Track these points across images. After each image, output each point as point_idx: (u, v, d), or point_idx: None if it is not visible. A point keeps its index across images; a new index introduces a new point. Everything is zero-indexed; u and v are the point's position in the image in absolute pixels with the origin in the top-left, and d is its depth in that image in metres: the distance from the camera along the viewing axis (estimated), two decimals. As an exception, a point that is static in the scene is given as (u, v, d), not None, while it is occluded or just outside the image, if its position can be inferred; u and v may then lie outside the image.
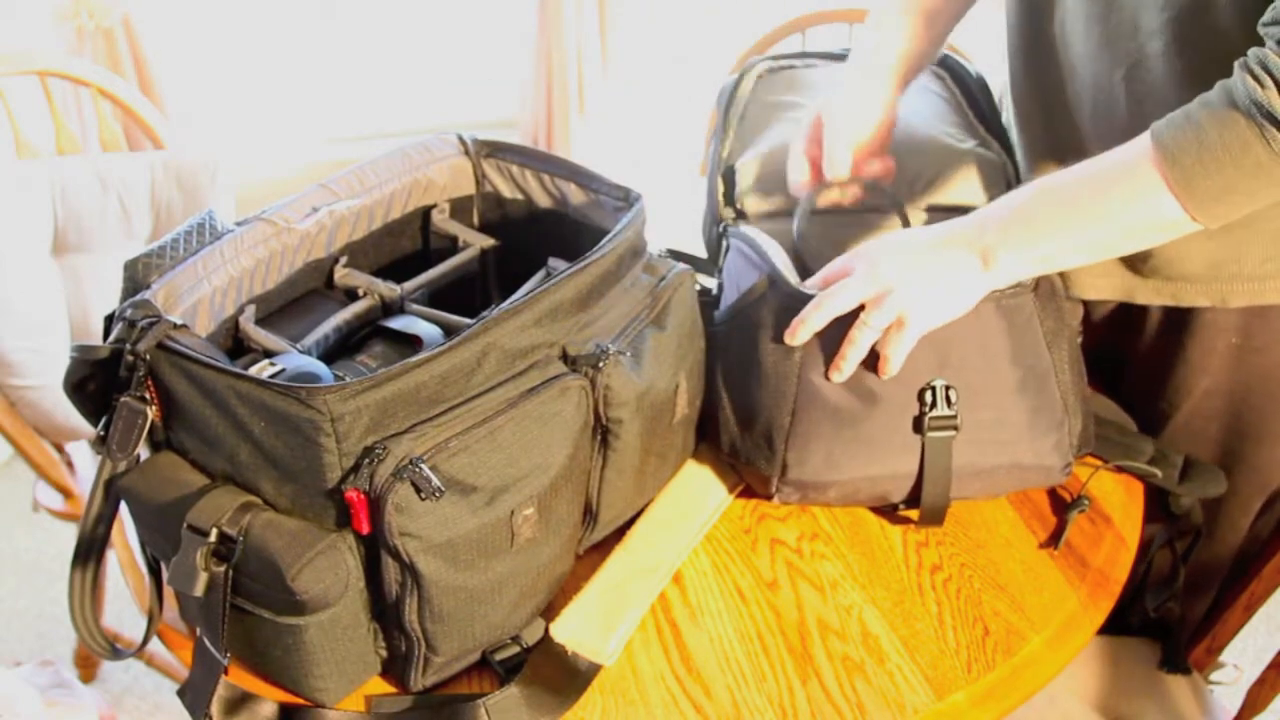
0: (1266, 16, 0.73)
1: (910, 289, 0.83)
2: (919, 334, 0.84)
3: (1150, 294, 0.99)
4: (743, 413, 0.92)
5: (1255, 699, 1.08)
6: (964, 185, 1.05)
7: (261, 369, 0.76)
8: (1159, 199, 0.76)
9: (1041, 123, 1.01)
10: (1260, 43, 0.74)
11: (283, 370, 0.77)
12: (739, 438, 0.92)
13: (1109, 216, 0.79)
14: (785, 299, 0.88)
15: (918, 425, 0.87)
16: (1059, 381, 0.89)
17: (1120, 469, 0.98)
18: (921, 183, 1.05)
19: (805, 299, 0.87)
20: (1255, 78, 0.71)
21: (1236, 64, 0.74)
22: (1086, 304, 1.06)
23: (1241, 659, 1.12)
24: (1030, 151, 1.04)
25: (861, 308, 0.84)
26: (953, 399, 0.86)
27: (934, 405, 0.86)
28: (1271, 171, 0.73)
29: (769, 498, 0.92)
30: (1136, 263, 0.97)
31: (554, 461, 0.76)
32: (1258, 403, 0.99)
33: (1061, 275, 0.93)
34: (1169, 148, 0.75)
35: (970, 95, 1.15)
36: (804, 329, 0.86)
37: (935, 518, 0.90)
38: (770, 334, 0.89)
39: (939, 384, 0.86)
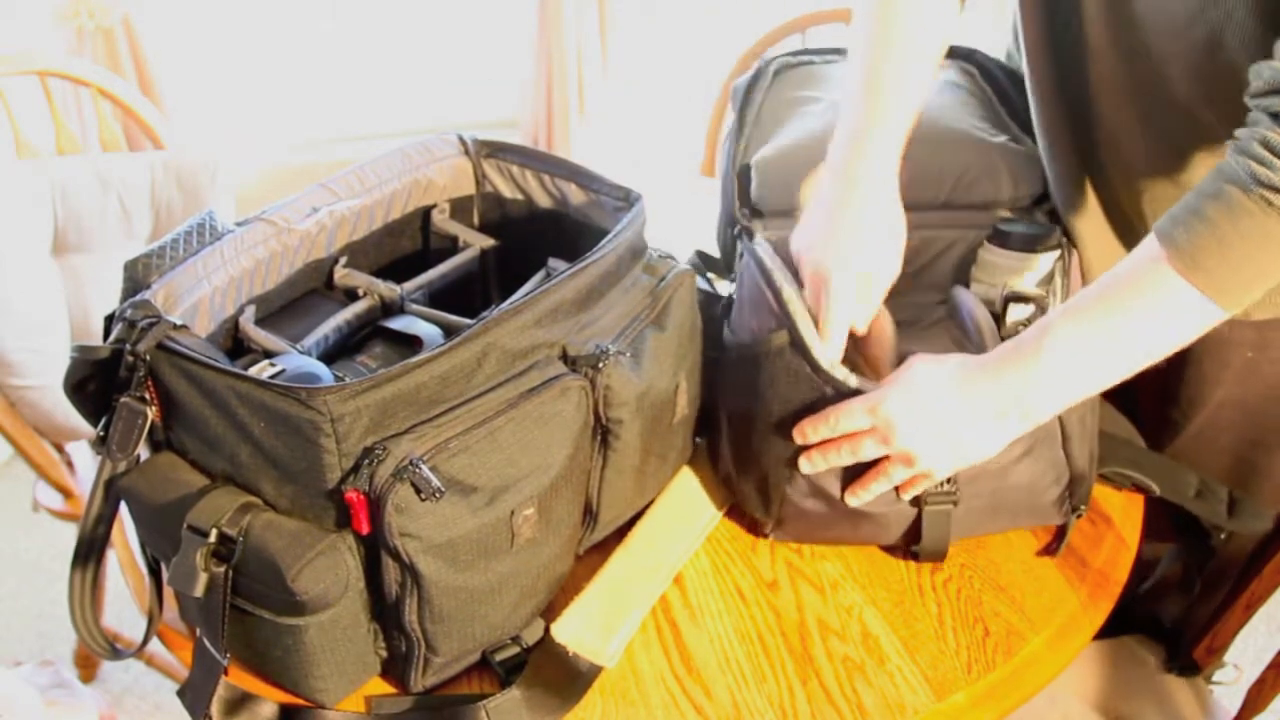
0: (1254, 87, 0.70)
1: (936, 458, 0.80)
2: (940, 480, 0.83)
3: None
4: (741, 460, 0.90)
5: (1255, 699, 1.08)
6: (999, 180, 1.02)
7: (261, 369, 0.76)
8: (1191, 308, 0.73)
9: (1073, 154, 0.99)
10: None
11: (283, 371, 0.76)
12: (735, 478, 0.92)
13: (1141, 339, 0.76)
14: (805, 375, 0.83)
15: (915, 499, 0.85)
16: (1066, 445, 0.86)
17: (1103, 479, 0.97)
18: (951, 178, 1.02)
19: (828, 388, 0.82)
20: (1259, 160, 0.68)
21: (1230, 146, 0.71)
22: None
23: (1241, 659, 1.11)
24: (1062, 181, 1.01)
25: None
26: (953, 474, 0.84)
27: None
28: None
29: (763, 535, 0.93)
30: None
31: (554, 462, 0.76)
32: (1273, 411, 0.99)
33: None
34: (1188, 254, 0.72)
35: (1000, 91, 1.11)
36: (821, 464, 0.83)
37: (935, 559, 0.90)
38: (780, 397, 0.84)
39: None
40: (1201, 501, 0.96)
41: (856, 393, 0.81)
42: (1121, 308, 0.75)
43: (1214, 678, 1.17)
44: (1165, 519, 1.02)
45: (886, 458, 0.81)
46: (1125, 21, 0.83)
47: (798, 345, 0.84)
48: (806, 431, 0.82)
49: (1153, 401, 1.04)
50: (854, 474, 0.84)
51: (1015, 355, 0.78)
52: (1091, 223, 1.00)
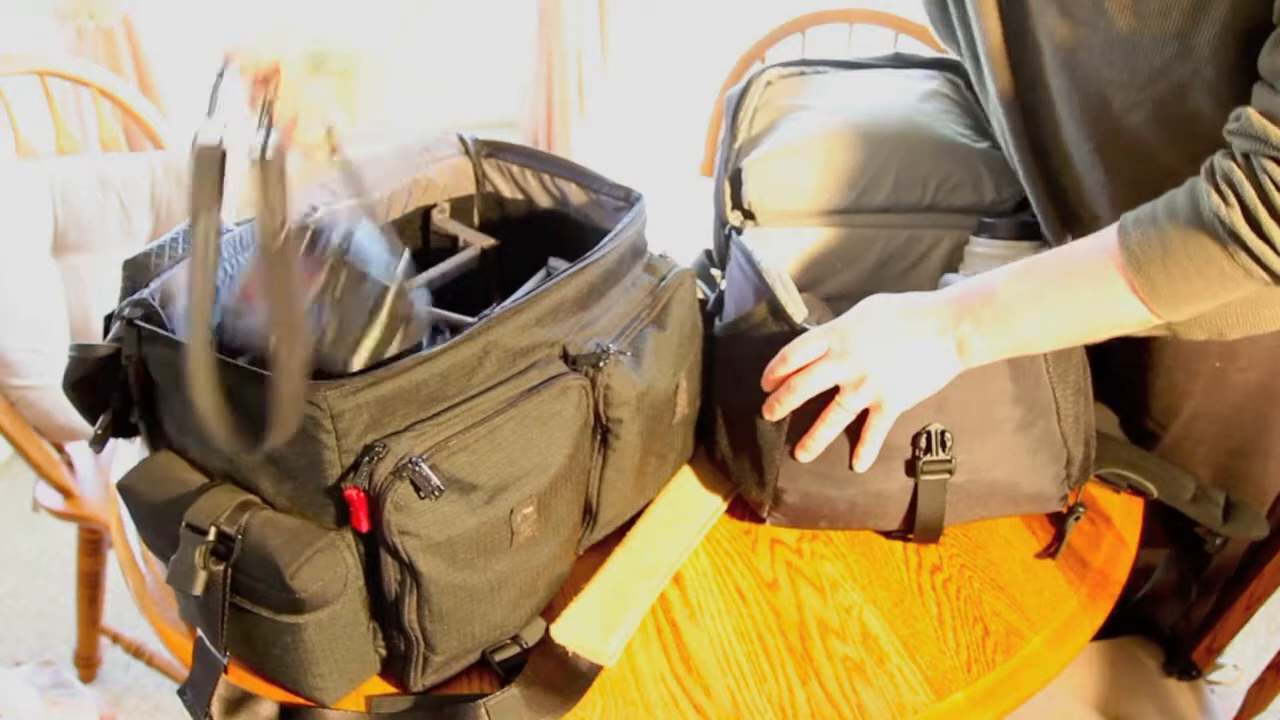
0: (1231, 124, 0.72)
1: (887, 374, 0.82)
2: (896, 416, 0.83)
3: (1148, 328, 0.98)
4: (736, 438, 0.91)
5: (1255, 699, 1.08)
6: (981, 185, 1.04)
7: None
8: (1126, 302, 0.77)
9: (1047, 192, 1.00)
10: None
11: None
12: (731, 459, 0.92)
13: (1079, 316, 0.80)
14: (784, 333, 0.86)
15: (911, 468, 0.86)
16: (1061, 417, 0.87)
17: (1101, 480, 0.97)
18: (934, 182, 1.04)
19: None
20: (1220, 194, 0.71)
21: (1204, 168, 0.73)
22: None
23: (1241, 659, 1.12)
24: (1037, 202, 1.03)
25: (836, 387, 0.83)
26: (948, 442, 0.85)
27: (929, 449, 0.85)
28: (1234, 279, 0.73)
29: (760, 520, 0.92)
30: None
31: (554, 461, 0.76)
32: (1247, 420, 0.99)
33: None
34: (1136, 255, 0.75)
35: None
36: (780, 408, 0.85)
37: (930, 539, 0.90)
38: (767, 365, 0.86)
39: (935, 428, 0.84)
40: (1198, 505, 0.96)
41: None
42: (1067, 284, 0.79)
43: (1214, 678, 1.17)
44: (1159, 525, 1.02)
45: (840, 390, 0.83)
46: (1082, 75, 0.85)
47: (777, 311, 0.88)
48: (767, 375, 0.85)
49: (1129, 417, 1.04)
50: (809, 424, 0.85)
51: (963, 288, 0.83)
52: None
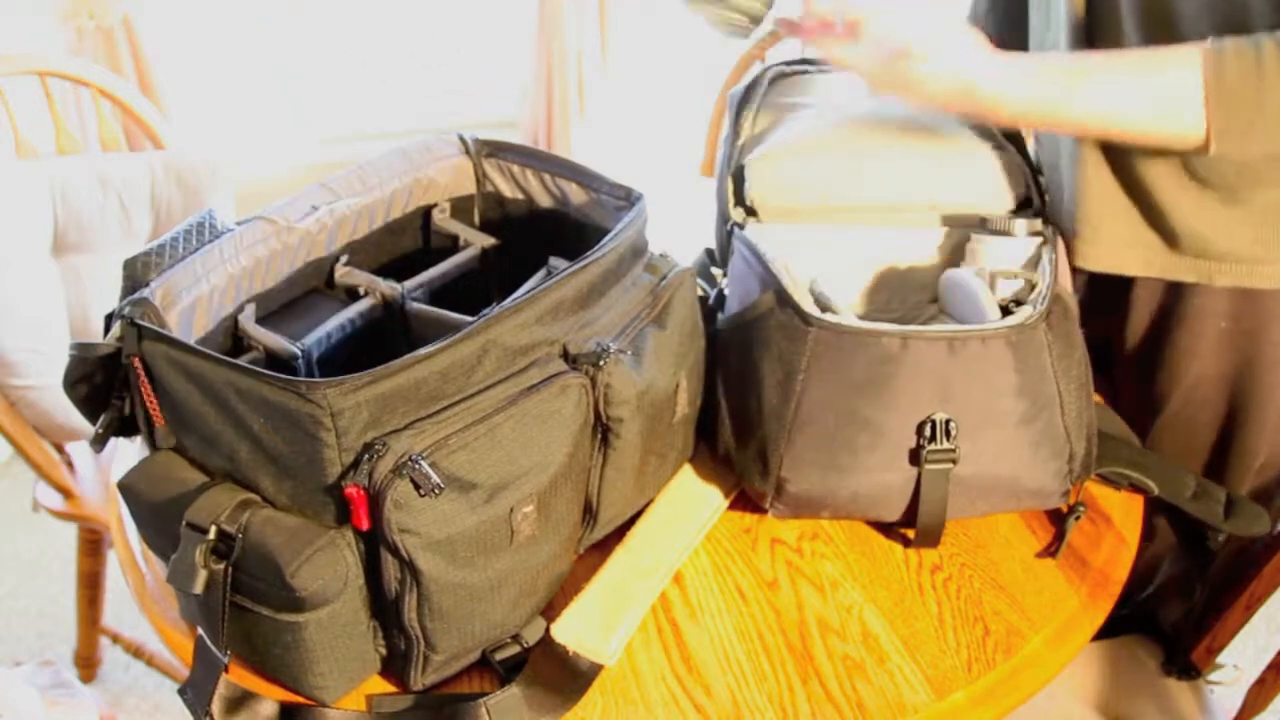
0: None
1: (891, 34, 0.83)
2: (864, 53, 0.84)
3: (1140, 265, 0.99)
4: (739, 428, 0.91)
5: (1255, 699, 1.08)
6: (985, 184, 1.04)
7: None
8: (1184, 101, 0.77)
9: None
10: None
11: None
12: (734, 450, 0.92)
13: (1134, 91, 0.80)
14: (794, 326, 0.86)
15: (915, 457, 0.85)
16: (1064, 411, 0.87)
17: (1102, 479, 0.97)
18: (937, 180, 1.04)
19: (814, 322, 0.86)
20: None
21: None
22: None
23: (1241, 659, 1.12)
24: None
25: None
26: (953, 432, 0.84)
27: (933, 439, 0.84)
28: None
29: (763, 512, 0.92)
30: (1129, 232, 0.98)
31: (554, 459, 0.76)
32: (1247, 386, 1.00)
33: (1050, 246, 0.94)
34: (1223, 60, 0.75)
35: None
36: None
37: (930, 540, 0.90)
38: (774, 354, 0.87)
39: (940, 418, 0.84)
40: (1198, 502, 0.96)
41: (848, 329, 0.84)
42: (1143, 59, 0.79)
43: (1214, 678, 1.17)
44: (1166, 523, 1.02)
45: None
46: None
47: (784, 300, 0.87)
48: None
49: (1133, 385, 1.05)
50: None
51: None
52: (1097, 181, 1.01)
